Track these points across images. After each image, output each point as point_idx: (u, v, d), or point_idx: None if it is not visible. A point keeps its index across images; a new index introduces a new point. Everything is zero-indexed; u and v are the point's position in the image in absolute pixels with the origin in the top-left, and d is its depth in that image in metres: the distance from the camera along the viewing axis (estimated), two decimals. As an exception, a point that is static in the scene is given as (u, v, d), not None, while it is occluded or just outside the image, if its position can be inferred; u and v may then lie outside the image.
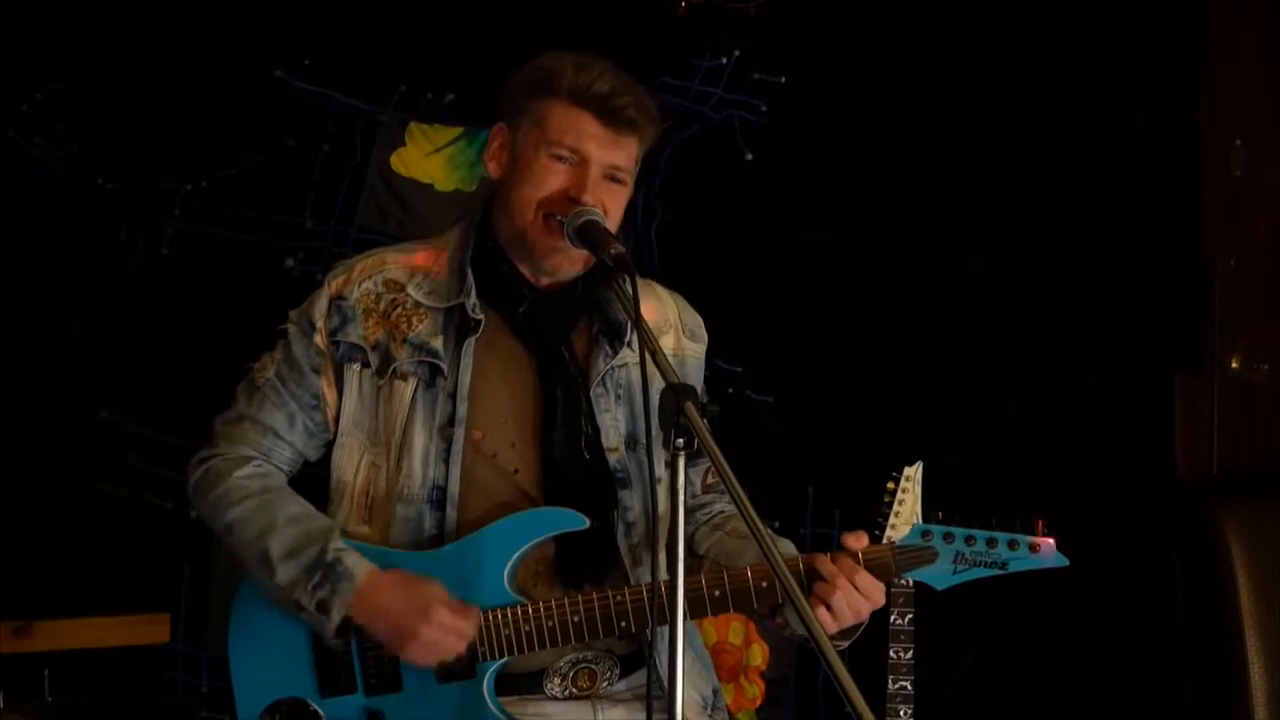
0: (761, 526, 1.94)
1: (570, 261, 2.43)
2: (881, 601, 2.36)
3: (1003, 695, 3.82)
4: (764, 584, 2.35)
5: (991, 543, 2.37)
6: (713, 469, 2.59)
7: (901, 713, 3.16)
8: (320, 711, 2.42)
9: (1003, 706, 3.82)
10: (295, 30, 3.62)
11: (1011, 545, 2.37)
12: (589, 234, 2.32)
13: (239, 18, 3.57)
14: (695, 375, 2.65)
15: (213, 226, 3.63)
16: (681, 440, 1.97)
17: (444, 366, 2.45)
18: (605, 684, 2.48)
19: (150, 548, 3.57)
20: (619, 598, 2.36)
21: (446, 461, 2.43)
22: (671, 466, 1.98)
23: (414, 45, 3.66)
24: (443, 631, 2.33)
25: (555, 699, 2.46)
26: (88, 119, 3.55)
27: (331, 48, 3.63)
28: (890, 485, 3.05)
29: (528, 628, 2.36)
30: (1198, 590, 3.69)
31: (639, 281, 2.22)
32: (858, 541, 2.36)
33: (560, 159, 2.41)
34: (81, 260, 3.60)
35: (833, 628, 2.32)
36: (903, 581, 3.15)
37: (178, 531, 3.55)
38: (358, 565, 2.37)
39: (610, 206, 2.42)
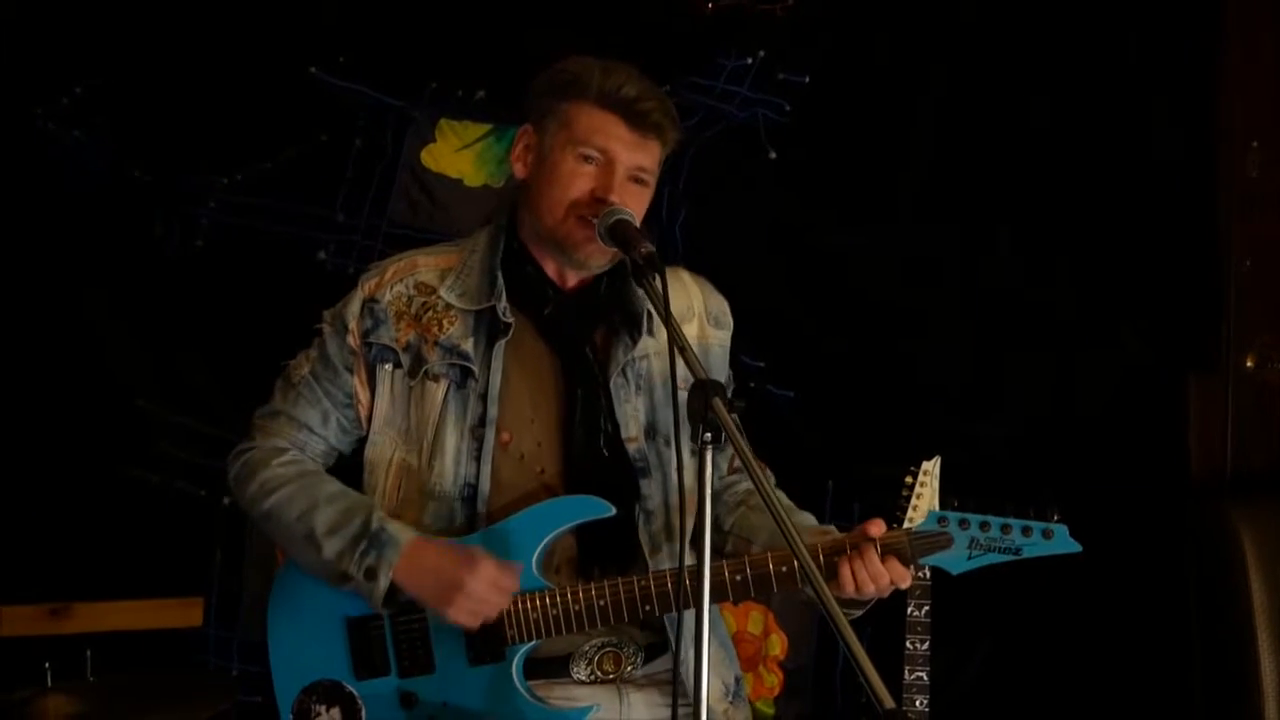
0: (784, 516, 1.98)
1: (601, 252, 2.47)
2: (909, 582, 2.41)
3: (1016, 689, 3.85)
4: (783, 568, 2.40)
5: (1005, 529, 2.42)
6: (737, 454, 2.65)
7: (917, 702, 3.20)
8: (355, 693, 2.47)
9: (1015, 700, 3.85)
10: (330, 28, 3.68)
11: (1025, 531, 2.41)
12: (620, 233, 2.36)
13: (275, 15, 3.64)
14: (719, 362, 2.68)
15: (246, 219, 3.70)
16: (709, 435, 2.01)
17: (475, 369, 2.50)
18: (630, 668, 2.53)
19: (183, 533, 3.64)
20: (644, 583, 2.41)
21: (478, 460, 2.48)
22: (699, 461, 2.02)
23: (445, 44, 3.72)
24: (487, 585, 2.38)
25: (581, 682, 2.51)
26: (125, 113, 3.62)
27: (365, 45, 3.70)
28: (909, 479, 3.09)
29: (555, 612, 2.42)
30: (1210, 589, 3.68)
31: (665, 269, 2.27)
32: (875, 529, 2.40)
33: (588, 160, 2.45)
34: (117, 251, 3.67)
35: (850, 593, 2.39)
36: (919, 574, 3.20)
37: (210, 517, 3.63)
38: (402, 531, 2.43)
39: (634, 207, 2.46)
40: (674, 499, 2.51)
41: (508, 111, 3.62)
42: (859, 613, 2.45)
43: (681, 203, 3.79)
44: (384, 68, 3.72)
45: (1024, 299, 3.91)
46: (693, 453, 2.10)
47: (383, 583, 2.40)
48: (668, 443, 2.55)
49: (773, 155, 3.84)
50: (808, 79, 3.84)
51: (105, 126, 3.62)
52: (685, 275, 2.71)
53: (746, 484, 2.67)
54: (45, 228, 3.62)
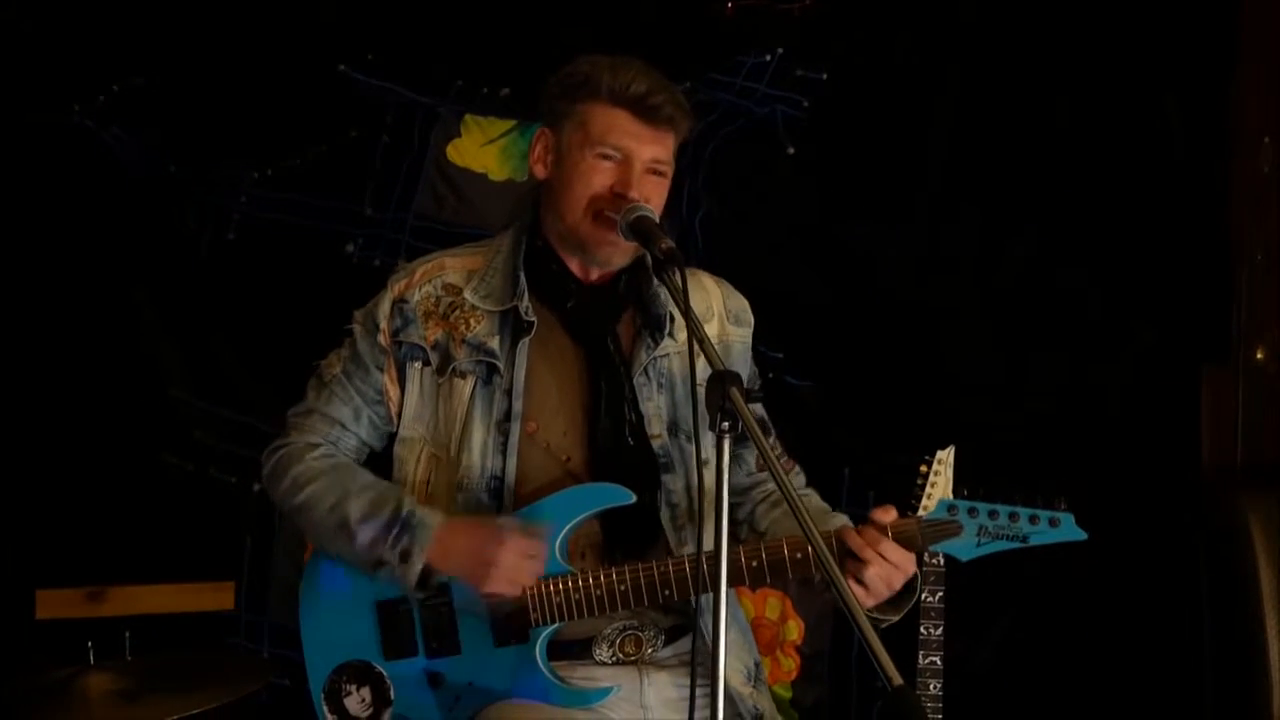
0: (800, 503, 2.02)
1: (621, 253, 2.55)
2: (911, 570, 2.45)
3: (1029, 674, 3.88)
4: (798, 555, 2.46)
5: (1013, 517, 2.48)
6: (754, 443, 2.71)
7: (931, 686, 3.24)
8: (384, 673, 2.55)
9: (1029, 685, 3.88)
10: (359, 27, 3.74)
11: (1032, 520, 2.47)
12: (641, 228, 2.43)
13: (306, 15, 3.71)
14: (741, 359, 2.75)
15: (277, 213, 3.77)
16: (727, 424, 2.06)
17: (500, 365, 2.58)
18: (650, 650, 2.60)
19: (215, 519, 3.71)
20: (663, 568, 2.48)
21: (504, 454, 2.56)
22: (717, 449, 2.07)
23: (471, 42, 3.78)
24: (518, 556, 2.45)
25: (603, 664, 2.58)
26: (161, 110, 3.69)
27: (393, 44, 3.76)
28: (923, 468, 3.14)
29: (577, 596, 2.49)
30: (1220, 577, 3.70)
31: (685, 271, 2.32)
32: (885, 515, 2.46)
33: (605, 157, 2.53)
34: (152, 244, 3.74)
35: (869, 601, 2.43)
36: (934, 560, 3.26)
37: (241, 504, 3.69)
38: (431, 515, 2.50)
39: (653, 198, 2.54)
40: (696, 490, 2.56)
41: (531, 108, 3.65)
42: (895, 618, 2.50)
43: (701, 197, 3.83)
44: (411, 65, 3.78)
45: (1039, 291, 3.93)
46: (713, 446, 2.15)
47: (417, 565, 2.47)
48: (689, 438, 2.61)
49: (791, 150, 3.87)
50: (825, 76, 3.86)
51: (141, 122, 3.68)
52: (705, 278, 2.77)
53: (773, 482, 2.73)
54: (82, 222, 3.68)
